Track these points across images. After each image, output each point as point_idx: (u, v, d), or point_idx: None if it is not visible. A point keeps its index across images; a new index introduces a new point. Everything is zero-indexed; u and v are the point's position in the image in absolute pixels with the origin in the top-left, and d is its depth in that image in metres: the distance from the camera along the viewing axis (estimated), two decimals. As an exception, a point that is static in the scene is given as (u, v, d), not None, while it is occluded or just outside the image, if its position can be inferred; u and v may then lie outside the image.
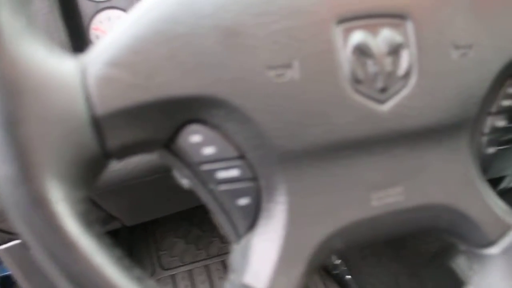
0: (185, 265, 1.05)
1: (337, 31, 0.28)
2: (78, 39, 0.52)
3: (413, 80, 0.29)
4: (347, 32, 0.28)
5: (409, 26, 0.29)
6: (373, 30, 0.28)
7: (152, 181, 0.55)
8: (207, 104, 0.27)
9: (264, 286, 0.27)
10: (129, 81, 0.25)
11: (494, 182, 0.99)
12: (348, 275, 1.09)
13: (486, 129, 0.33)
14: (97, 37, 0.56)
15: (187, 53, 0.26)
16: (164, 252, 1.06)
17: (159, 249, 1.07)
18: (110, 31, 0.26)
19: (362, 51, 0.28)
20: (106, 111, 0.25)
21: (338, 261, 1.12)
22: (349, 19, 0.28)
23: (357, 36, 0.28)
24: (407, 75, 0.29)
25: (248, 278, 0.28)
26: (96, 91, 0.24)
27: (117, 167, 0.51)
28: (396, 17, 0.29)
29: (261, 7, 0.27)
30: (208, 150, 0.28)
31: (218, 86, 0.26)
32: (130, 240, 1.09)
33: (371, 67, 0.28)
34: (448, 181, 0.31)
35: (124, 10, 0.56)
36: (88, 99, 0.24)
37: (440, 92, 0.30)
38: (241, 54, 0.26)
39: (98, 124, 0.25)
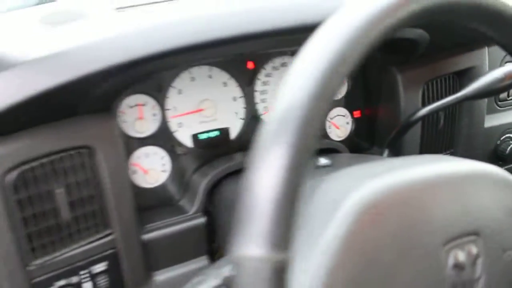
0: None
1: (443, 252, 0.35)
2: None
3: (482, 281, 0.37)
4: (448, 252, 0.35)
5: (480, 240, 0.38)
6: (462, 247, 0.36)
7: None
8: None
9: None
10: None
11: None
12: None
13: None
14: (134, 172, 0.56)
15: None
16: None
17: None
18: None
19: (457, 266, 0.36)
20: None
21: None
22: (450, 240, 0.36)
23: (455, 255, 0.36)
24: (479, 278, 0.37)
25: None
26: None
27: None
28: (473, 234, 0.37)
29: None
30: None
31: None
32: None
33: (462, 277, 0.36)
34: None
35: (161, 146, 0.58)
36: None
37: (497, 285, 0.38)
38: None
39: None
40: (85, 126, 0.44)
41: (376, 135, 0.73)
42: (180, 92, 0.59)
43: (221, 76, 0.61)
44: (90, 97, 0.43)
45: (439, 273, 0.35)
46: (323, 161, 0.53)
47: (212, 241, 0.56)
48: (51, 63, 0.39)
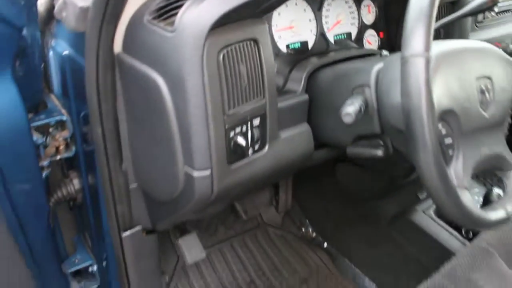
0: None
1: (475, 83, 0.65)
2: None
3: (493, 102, 0.68)
4: (477, 83, 0.66)
5: (491, 81, 0.68)
6: (483, 83, 0.67)
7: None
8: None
9: None
10: None
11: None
12: (324, 243, 1.46)
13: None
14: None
15: None
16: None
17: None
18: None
19: (482, 91, 0.66)
20: None
21: (314, 234, 1.48)
22: (477, 78, 0.66)
23: (480, 86, 0.66)
24: (492, 100, 0.68)
25: None
26: None
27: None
28: (488, 78, 0.68)
29: None
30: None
31: None
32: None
33: (484, 98, 0.66)
34: None
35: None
36: None
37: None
38: None
39: None
40: (254, 26, 0.69)
41: (396, 49, 1.02)
42: (279, 14, 0.84)
43: (302, 4, 0.87)
44: (260, 8, 0.68)
45: (473, 95, 0.65)
46: (385, 52, 0.83)
47: (310, 113, 0.83)
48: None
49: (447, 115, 0.63)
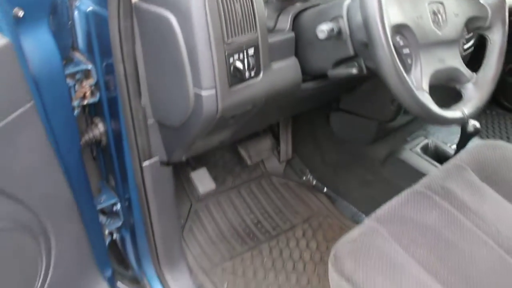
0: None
1: (427, 6, 0.80)
2: None
3: (446, 20, 0.83)
4: (429, 7, 0.80)
5: (442, 5, 0.82)
6: (435, 5, 0.81)
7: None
8: None
9: None
10: None
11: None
12: (324, 188, 1.61)
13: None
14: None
15: None
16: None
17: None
18: None
19: (434, 13, 0.81)
20: None
21: (314, 181, 1.63)
22: (430, 3, 0.80)
23: (432, 9, 0.81)
24: (444, 22, 0.83)
25: None
26: None
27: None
28: (440, 3, 0.82)
29: None
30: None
31: None
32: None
33: (435, 18, 0.81)
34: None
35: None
36: None
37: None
38: None
39: None
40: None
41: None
42: (267, -34, 1.00)
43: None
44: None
45: (425, 14, 0.80)
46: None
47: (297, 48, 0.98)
48: None
49: (402, 29, 0.78)
